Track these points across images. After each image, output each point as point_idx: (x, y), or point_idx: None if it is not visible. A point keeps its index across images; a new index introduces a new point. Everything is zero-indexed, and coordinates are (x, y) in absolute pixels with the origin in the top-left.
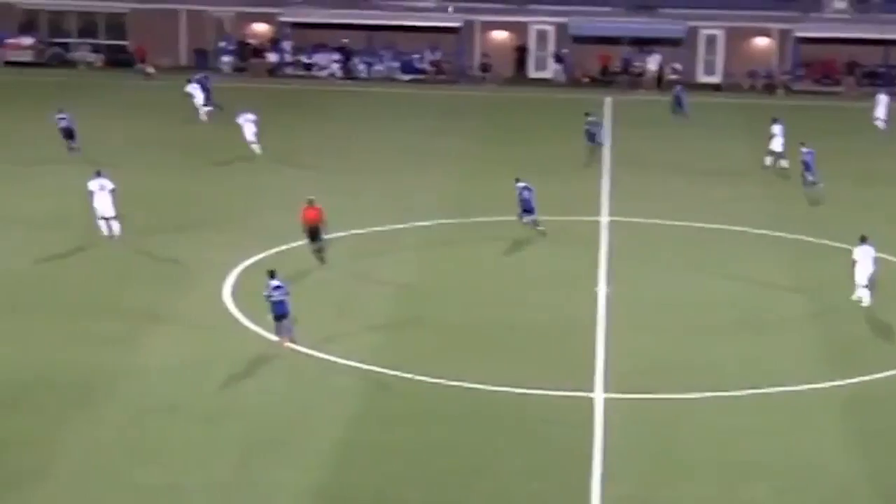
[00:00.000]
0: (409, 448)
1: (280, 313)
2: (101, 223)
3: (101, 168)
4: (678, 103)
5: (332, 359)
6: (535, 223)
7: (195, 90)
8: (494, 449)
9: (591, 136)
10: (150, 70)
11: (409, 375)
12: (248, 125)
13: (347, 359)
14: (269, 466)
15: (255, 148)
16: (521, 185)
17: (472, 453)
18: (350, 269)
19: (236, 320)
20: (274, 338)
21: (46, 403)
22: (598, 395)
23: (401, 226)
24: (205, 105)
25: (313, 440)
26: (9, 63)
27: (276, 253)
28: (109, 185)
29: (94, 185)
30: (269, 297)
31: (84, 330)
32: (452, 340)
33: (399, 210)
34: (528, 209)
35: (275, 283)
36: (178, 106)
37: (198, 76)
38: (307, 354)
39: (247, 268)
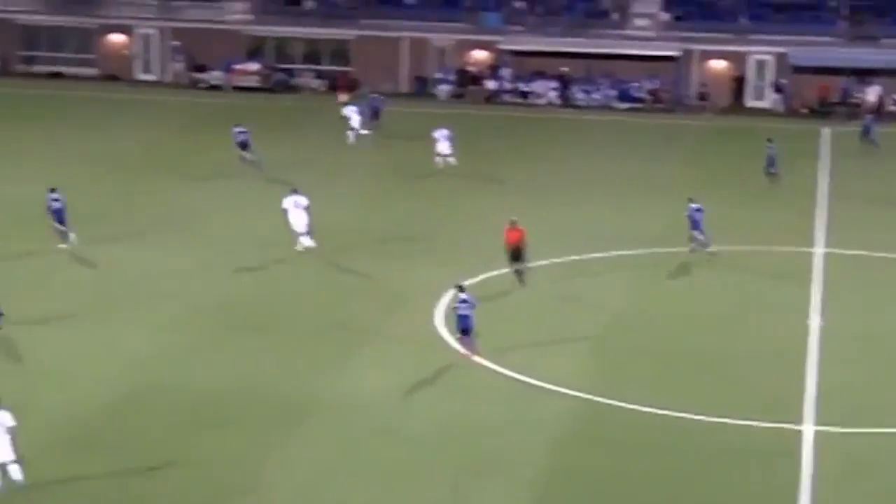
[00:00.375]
0: (615, 476)
1: (464, 327)
2: (301, 238)
3: (298, 187)
4: (865, 132)
5: (540, 383)
6: (702, 244)
7: (352, 113)
8: (700, 480)
9: (771, 162)
10: (344, 98)
11: (617, 402)
12: (442, 140)
13: (555, 384)
14: (477, 489)
15: (450, 160)
16: (694, 206)
17: (678, 483)
18: (558, 294)
19: (447, 343)
20: (463, 350)
21: (258, 421)
22: (808, 428)
23: (611, 252)
24: (360, 129)
25: (521, 464)
26: (236, 88)
27: (487, 278)
28: (304, 201)
29: (288, 202)
30: (455, 309)
31: (296, 349)
32: (660, 368)
33: (609, 236)
34: (696, 230)
35: (462, 296)
36: (382, 131)
37: (366, 99)
38: (516, 378)
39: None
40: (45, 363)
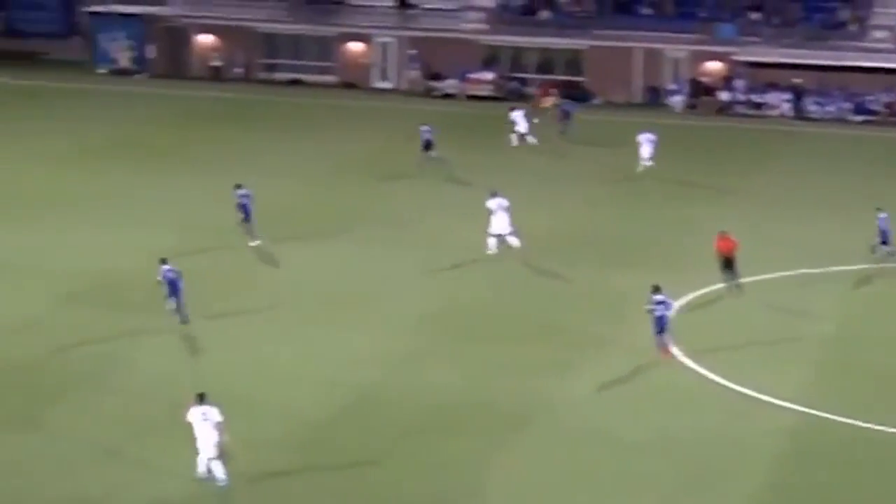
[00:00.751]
0: (836, 493)
1: (660, 327)
2: (492, 241)
3: (498, 190)
4: None
5: (756, 394)
6: (891, 254)
7: (519, 118)
8: None
9: None
10: (548, 104)
11: (837, 418)
12: (646, 144)
13: (772, 395)
14: (695, 501)
15: (646, 164)
16: (883, 215)
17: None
18: (773, 305)
19: (673, 353)
20: (660, 350)
21: (485, 427)
22: None
23: (832, 268)
24: (524, 135)
25: (739, 478)
26: (470, 97)
27: (709, 291)
28: (505, 202)
29: (492, 203)
30: (652, 311)
31: (513, 353)
32: (878, 383)
33: (833, 250)
34: (884, 241)
35: (658, 297)
36: (606, 141)
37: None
38: (732, 389)
39: (688, 302)
40: (265, 361)
